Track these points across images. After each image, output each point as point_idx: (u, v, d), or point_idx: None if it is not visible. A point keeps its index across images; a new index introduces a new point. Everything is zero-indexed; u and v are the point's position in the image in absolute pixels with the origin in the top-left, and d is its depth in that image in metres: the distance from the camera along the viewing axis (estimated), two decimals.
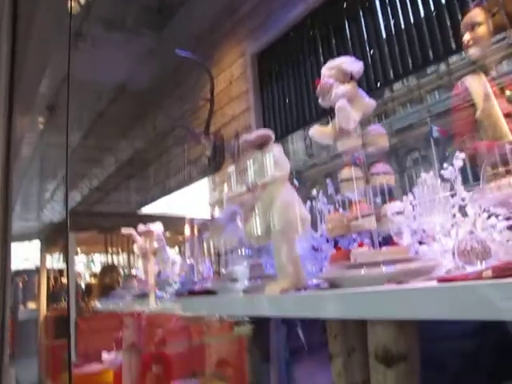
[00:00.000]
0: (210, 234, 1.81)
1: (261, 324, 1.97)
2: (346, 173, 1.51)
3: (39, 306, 5.92)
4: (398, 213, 1.47)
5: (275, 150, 1.32)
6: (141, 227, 2.35)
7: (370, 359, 1.01)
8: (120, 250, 4.92)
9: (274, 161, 1.28)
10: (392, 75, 2.79)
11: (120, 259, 5.06)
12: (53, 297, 6.60)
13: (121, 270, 4.34)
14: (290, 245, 1.23)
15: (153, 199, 4.40)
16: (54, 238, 5.32)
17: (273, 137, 1.33)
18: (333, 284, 1.12)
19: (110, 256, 5.32)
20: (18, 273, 8.75)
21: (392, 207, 1.48)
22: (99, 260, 6.17)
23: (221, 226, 1.85)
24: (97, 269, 5.96)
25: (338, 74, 1.47)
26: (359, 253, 1.19)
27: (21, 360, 5.38)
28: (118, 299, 2.61)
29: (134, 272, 2.73)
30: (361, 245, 1.46)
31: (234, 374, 1.73)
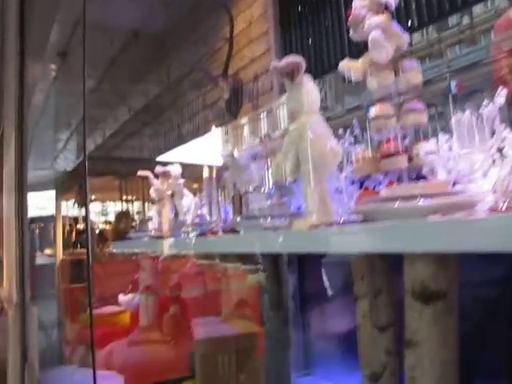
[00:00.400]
0: (230, 173, 1.75)
1: (274, 271, 1.94)
2: (377, 110, 1.42)
3: (56, 252, 6.04)
4: (432, 152, 1.39)
5: (306, 80, 1.22)
6: (158, 168, 2.30)
7: (406, 297, 0.96)
8: (135, 197, 4.92)
9: (305, 90, 1.19)
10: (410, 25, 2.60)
11: (135, 206, 5.07)
12: (68, 243, 6.74)
13: (136, 216, 4.35)
14: (320, 180, 1.16)
15: (169, 147, 4.33)
16: (68, 185, 5.33)
17: (304, 65, 1.22)
18: (365, 219, 1.05)
19: (124, 203, 5.35)
20: (35, 220, 8.90)
21: (425, 146, 1.40)
22: (114, 208, 6.21)
23: (241, 165, 1.79)
24: (111, 217, 6.01)
25: (371, 5, 1.37)
26: (393, 188, 1.12)
27: (41, 302, 5.53)
28: (133, 242, 2.60)
29: (149, 217, 2.70)
30: (391, 183, 1.39)
31: (253, 315, 1.72)
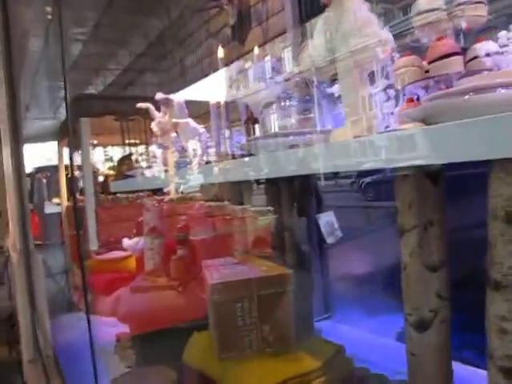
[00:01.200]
0: (244, 92, 1.48)
1: (290, 204, 1.73)
2: (423, 2, 1.15)
3: (61, 200, 5.91)
4: (495, 53, 1.12)
5: None
6: (159, 95, 2.02)
7: (491, 224, 0.72)
8: (138, 141, 4.65)
9: None
10: None
11: (139, 149, 4.82)
12: (72, 190, 6.56)
13: (140, 158, 4.11)
14: (363, 77, 0.89)
15: (172, 84, 4.00)
16: (66, 132, 5.06)
17: None
18: (425, 121, 0.80)
19: (127, 148, 5.09)
20: (42, 170, 8.82)
21: (485, 46, 1.12)
22: (116, 153, 5.98)
23: (255, 82, 1.51)
24: (114, 162, 5.78)
25: None
26: (463, 80, 0.85)
27: (51, 250, 5.53)
28: (134, 180, 2.38)
29: (153, 154, 2.46)
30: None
31: (270, 256, 1.51)
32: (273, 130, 1.19)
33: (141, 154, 4.46)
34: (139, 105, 2.38)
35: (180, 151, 2.18)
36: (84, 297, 1.67)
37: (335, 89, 1.17)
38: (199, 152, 1.85)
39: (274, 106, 1.30)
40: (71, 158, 2.26)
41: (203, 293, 1.65)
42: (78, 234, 2.49)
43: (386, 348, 2.02)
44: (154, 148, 2.25)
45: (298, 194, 1.98)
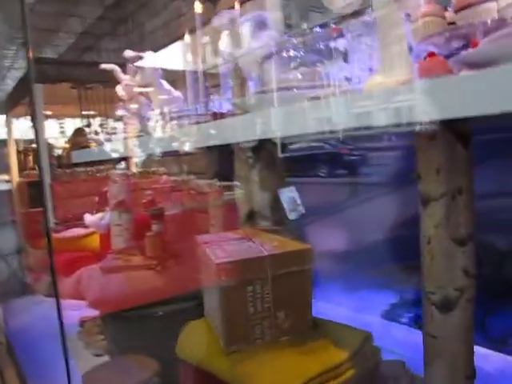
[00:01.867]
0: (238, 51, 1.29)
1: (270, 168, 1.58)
2: None
3: (11, 177, 5.52)
4: None
5: None
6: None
7: None
8: (96, 112, 4.33)
9: None
10: None
11: (96, 121, 4.50)
12: (24, 165, 6.17)
13: (98, 129, 3.81)
14: (398, 18, 0.74)
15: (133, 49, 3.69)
16: (16, 100, 4.65)
17: None
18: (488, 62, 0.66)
19: (85, 120, 4.74)
20: None
21: None
22: (72, 125, 5.59)
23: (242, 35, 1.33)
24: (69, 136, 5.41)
25: None
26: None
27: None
28: (96, 149, 2.15)
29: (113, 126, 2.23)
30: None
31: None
32: (274, 85, 1.01)
33: (100, 125, 4.17)
34: (103, 66, 2.13)
35: (142, 121, 1.97)
36: (52, 279, 1.46)
37: (340, 43, 1.03)
38: (168, 117, 1.65)
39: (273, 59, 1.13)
40: (35, 127, 1.94)
41: (185, 272, 1.49)
42: (44, 210, 2.22)
43: (374, 326, 1.92)
44: (120, 113, 2.02)
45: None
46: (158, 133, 1.68)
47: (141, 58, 1.76)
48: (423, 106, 0.65)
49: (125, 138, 1.83)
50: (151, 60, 1.89)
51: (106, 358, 1.78)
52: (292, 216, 2.03)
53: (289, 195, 2.04)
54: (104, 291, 1.52)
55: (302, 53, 1.04)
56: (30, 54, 1.85)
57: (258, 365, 0.89)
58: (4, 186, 6.66)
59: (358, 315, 1.99)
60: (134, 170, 3.95)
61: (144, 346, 1.37)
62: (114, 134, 2.41)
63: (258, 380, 0.84)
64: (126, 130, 1.87)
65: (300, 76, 1.01)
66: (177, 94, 1.77)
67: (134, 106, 2.05)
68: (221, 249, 1.03)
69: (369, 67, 0.99)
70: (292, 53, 1.05)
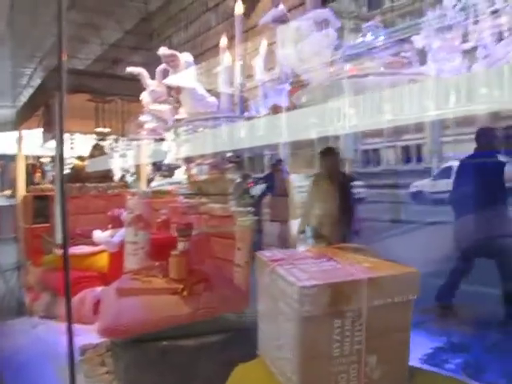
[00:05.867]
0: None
1: None
2: None
3: (17, 191, 5.35)
4: None
5: None
6: (163, 49, 1.62)
7: None
8: (112, 129, 4.17)
9: None
10: None
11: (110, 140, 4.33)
12: (32, 181, 6.03)
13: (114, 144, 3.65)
14: None
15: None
16: (29, 113, 4.52)
17: None
18: None
19: (96, 137, 4.59)
20: None
21: None
22: (83, 142, 5.46)
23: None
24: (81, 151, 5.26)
25: None
26: None
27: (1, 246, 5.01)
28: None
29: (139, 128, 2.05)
30: None
31: None
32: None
33: (115, 141, 4.01)
34: (130, 69, 1.99)
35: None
36: (66, 300, 1.24)
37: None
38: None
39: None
40: (61, 134, 1.71)
41: (216, 299, 1.27)
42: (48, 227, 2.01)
43: None
44: (143, 118, 1.85)
45: None
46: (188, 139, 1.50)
47: (175, 56, 1.59)
48: None
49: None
50: (189, 57, 1.73)
51: None
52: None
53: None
54: (119, 317, 1.26)
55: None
56: (64, 57, 1.68)
57: None
58: (7, 202, 6.53)
59: None
60: (146, 189, 3.77)
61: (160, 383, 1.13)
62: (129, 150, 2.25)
63: None
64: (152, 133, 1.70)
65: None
66: (211, 99, 1.60)
67: (158, 110, 1.89)
68: (297, 268, 0.79)
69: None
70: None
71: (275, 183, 4.80)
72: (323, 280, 0.74)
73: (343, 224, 2.36)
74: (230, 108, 1.50)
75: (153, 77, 2.02)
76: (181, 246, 1.50)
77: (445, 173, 6.78)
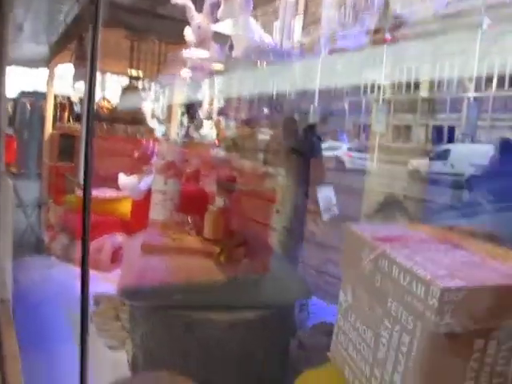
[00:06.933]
0: None
1: None
2: None
3: (46, 127, 5.28)
4: None
5: None
6: None
7: None
8: (146, 71, 3.95)
9: None
10: None
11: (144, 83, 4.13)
12: (60, 119, 5.95)
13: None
14: None
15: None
16: (62, 46, 4.33)
17: None
18: None
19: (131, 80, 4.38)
20: (27, 95, 8.24)
21: None
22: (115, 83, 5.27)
23: None
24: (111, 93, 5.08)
25: None
26: None
27: (25, 180, 5.00)
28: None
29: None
30: None
31: None
32: None
33: (148, 84, 3.81)
34: (175, 0, 1.76)
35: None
36: (83, 244, 1.08)
37: None
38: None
39: None
40: (92, 68, 1.51)
41: (258, 270, 1.09)
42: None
43: None
44: (187, 53, 1.64)
45: None
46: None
47: None
48: None
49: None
50: None
51: (121, 354, 1.40)
52: (325, 216, 1.69)
53: (326, 194, 1.71)
54: (142, 278, 1.08)
55: None
56: None
57: None
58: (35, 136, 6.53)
59: None
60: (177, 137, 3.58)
61: (182, 360, 0.97)
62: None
63: None
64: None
65: None
66: (268, 37, 1.37)
67: (203, 52, 1.68)
68: (422, 257, 0.55)
69: None
70: None
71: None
72: (473, 280, 0.50)
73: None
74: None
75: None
76: (220, 201, 1.30)
77: (443, 155, 6.74)
